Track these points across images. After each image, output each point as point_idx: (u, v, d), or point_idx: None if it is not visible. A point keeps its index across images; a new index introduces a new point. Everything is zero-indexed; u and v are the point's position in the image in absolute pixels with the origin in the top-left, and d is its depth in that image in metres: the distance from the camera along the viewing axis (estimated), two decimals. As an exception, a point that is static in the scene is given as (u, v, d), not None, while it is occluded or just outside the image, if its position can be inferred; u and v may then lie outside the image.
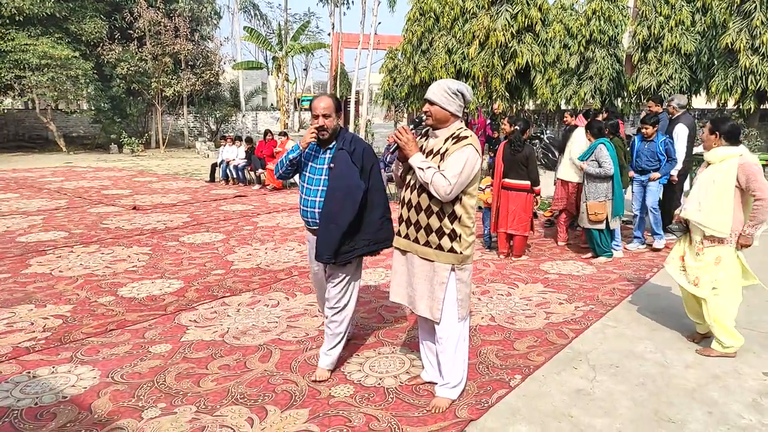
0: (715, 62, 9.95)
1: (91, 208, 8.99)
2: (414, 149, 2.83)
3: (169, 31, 20.83)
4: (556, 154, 12.73)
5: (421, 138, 3.00)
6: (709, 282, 3.56)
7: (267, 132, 12.11)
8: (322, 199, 3.14)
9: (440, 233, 2.79)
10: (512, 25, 9.97)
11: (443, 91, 2.80)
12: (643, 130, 6.13)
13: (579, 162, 6.03)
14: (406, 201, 2.94)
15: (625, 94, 12.10)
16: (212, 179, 12.30)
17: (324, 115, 3.11)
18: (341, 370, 3.42)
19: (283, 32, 22.98)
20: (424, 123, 2.93)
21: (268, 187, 11.14)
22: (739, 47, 9.09)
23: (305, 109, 27.84)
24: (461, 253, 2.81)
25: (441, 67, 11.04)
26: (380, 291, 4.96)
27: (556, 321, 4.20)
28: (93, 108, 21.42)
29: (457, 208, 2.78)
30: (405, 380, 3.28)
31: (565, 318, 4.25)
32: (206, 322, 4.23)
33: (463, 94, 2.84)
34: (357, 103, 23.18)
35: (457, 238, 2.80)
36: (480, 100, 10.95)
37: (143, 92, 21.16)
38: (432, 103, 2.83)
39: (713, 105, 10.34)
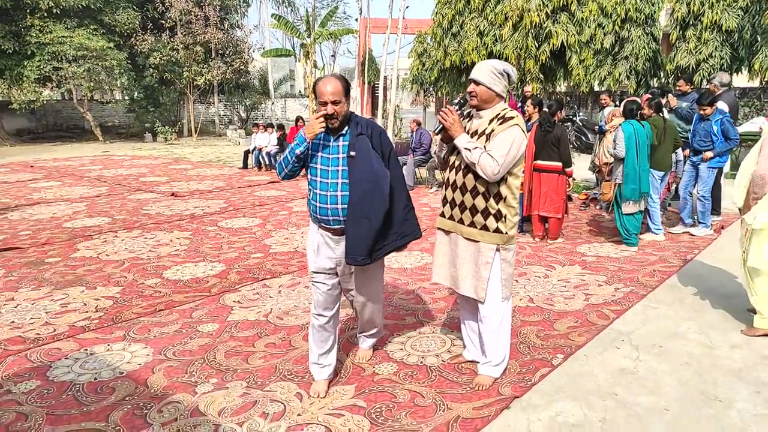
0: (759, 39, 9.60)
1: (130, 195, 9.24)
2: (459, 130, 2.84)
3: (199, 21, 21.07)
4: (589, 136, 12.51)
5: (464, 119, 3.01)
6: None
7: (299, 118, 12.21)
8: (345, 193, 2.75)
9: (486, 213, 2.82)
10: (546, 5, 9.79)
11: (489, 71, 2.80)
12: (701, 112, 5.92)
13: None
14: (450, 182, 2.97)
15: (662, 74, 11.79)
16: (245, 166, 12.49)
17: (333, 102, 2.68)
18: (383, 349, 3.49)
19: (311, 19, 22.93)
20: (468, 104, 2.94)
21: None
22: (785, 22, 8.75)
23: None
24: (506, 233, 2.83)
25: (472, 50, 10.93)
26: (417, 273, 5.01)
27: (596, 302, 4.18)
28: (127, 98, 21.89)
29: (503, 189, 2.80)
30: (447, 359, 3.34)
31: (605, 299, 4.23)
32: (249, 303, 4.35)
33: (508, 74, 2.84)
34: (385, 88, 23.12)
35: (503, 218, 2.82)
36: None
37: (175, 81, 21.50)
38: (478, 84, 2.83)
39: (756, 83, 10.00)
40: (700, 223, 6.20)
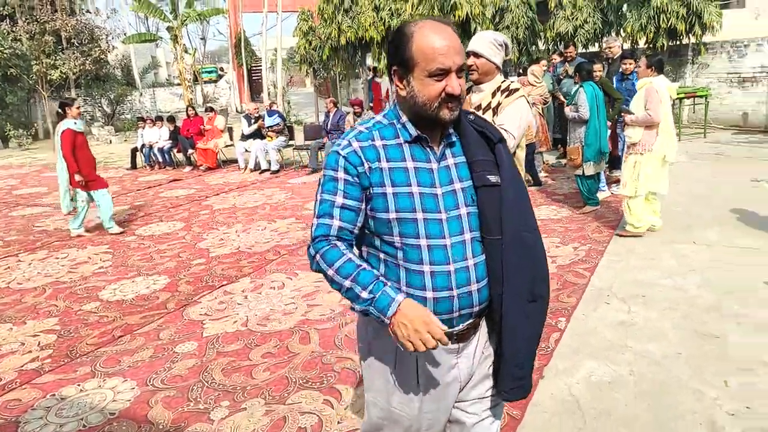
0: (626, 5, 10.58)
1: (11, 211, 8.03)
2: (468, 106, 2.79)
3: (45, 6, 18.62)
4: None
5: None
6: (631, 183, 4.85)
7: (189, 107, 11.36)
8: (478, 260, 1.46)
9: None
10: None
11: (489, 43, 2.76)
12: (624, 66, 6.25)
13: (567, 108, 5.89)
14: None
15: (541, 42, 12.58)
16: (134, 166, 11.39)
17: (460, 69, 1.41)
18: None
19: (175, -1, 21.28)
20: (468, 78, 2.89)
21: (201, 167, 10.51)
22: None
23: (207, 82, 26.30)
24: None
25: (369, 26, 10.84)
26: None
27: (564, 263, 4.42)
28: (-37, 99, 18.85)
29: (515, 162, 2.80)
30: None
31: (572, 259, 4.49)
32: (218, 314, 4.00)
33: (506, 46, 2.82)
34: (264, 70, 22.26)
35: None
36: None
37: (23, 77, 18.91)
38: (478, 56, 2.78)
39: (627, 45, 11.06)
40: None
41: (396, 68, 1.45)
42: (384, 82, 13.19)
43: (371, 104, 13.12)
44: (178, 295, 4.41)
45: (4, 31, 18.00)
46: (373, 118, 1.56)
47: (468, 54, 2.86)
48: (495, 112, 2.77)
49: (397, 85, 1.48)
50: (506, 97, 2.78)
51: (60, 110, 6.35)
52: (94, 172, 6.38)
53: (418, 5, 10.21)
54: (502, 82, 2.84)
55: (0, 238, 6.50)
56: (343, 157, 1.45)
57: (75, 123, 6.18)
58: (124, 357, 3.43)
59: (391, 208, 1.42)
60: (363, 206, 1.46)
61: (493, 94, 2.82)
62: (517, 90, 2.80)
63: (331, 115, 9.44)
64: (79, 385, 3.13)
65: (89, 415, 2.83)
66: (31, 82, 19.08)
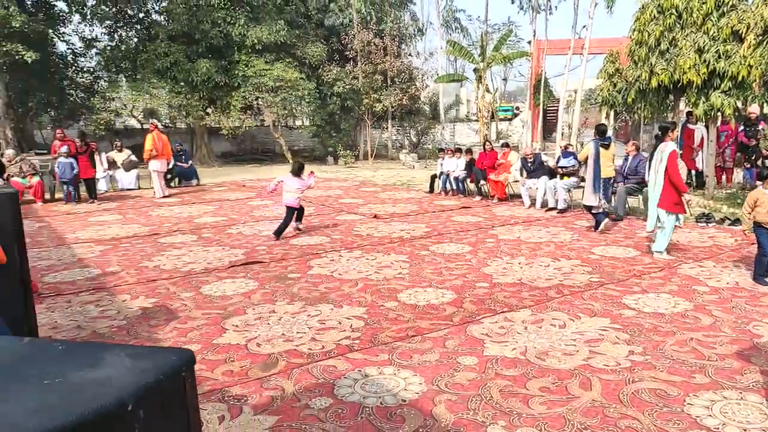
0: None
1: (336, 215, 9.77)
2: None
3: (379, 50, 22.21)
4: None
5: None
6: None
7: (486, 142, 12.08)
8: None
9: None
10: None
11: None
12: None
13: None
14: None
15: None
16: (431, 190, 12.63)
17: None
18: (686, 411, 3.05)
19: (484, 43, 22.97)
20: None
21: (493, 200, 11.05)
22: None
23: (502, 119, 27.54)
24: None
25: (689, 68, 9.89)
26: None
27: None
28: (312, 124, 23.74)
29: None
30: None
31: None
32: (499, 337, 4.17)
33: None
34: (560, 110, 22.19)
35: None
36: (743, 104, 9.51)
37: (355, 108, 22.82)
38: None
39: None
40: None
41: None
42: (699, 129, 11.83)
43: (680, 151, 11.88)
44: (462, 312, 4.75)
45: (347, 70, 22.05)
46: None
47: None
48: None
49: None
50: None
51: (660, 133, 6.50)
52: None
53: (756, 47, 8.89)
54: None
55: (328, 236, 7.98)
56: None
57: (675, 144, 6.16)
58: (415, 354, 3.87)
59: None
60: None
61: None
62: None
63: (630, 158, 8.90)
64: (379, 368, 3.66)
65: (385, 395, 3.28)
66: (360, 112, 22.88)
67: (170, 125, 23.96)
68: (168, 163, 13.35)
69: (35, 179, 11.83)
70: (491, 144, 12.05)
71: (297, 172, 7.87)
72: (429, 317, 4.62)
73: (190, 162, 15.56)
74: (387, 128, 25.13)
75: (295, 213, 7.90)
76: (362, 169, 19.74)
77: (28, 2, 20.58)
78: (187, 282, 5.74)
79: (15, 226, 2.98)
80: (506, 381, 3.46)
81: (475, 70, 23.63)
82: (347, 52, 22.37)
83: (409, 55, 26.11)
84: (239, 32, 20.11)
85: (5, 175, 11.64)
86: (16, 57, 17.19)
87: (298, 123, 27.53)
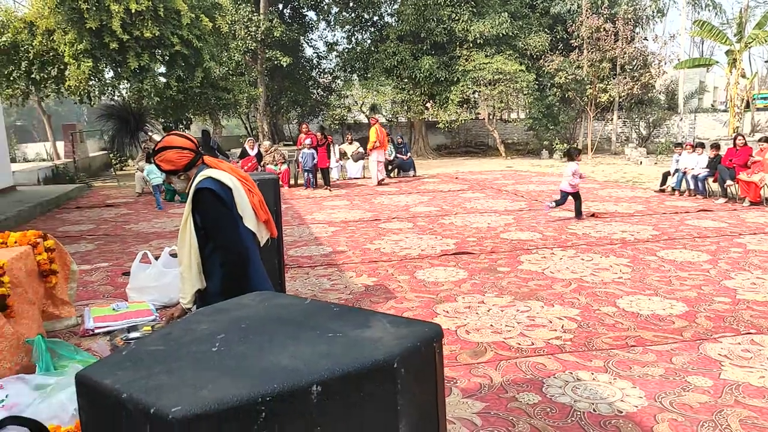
0: None
1: (549, 211, 9.42)
2: None
3: (609, 36, 20.54)
4: None
5: None
6: None
7: (738, 136, 10.37)
8: None
9: None
10: None
11: None
12: None
13: None
14: None
15: None
16: (661, 189, 11.34)
17: None
18: None
19: (743, 20, 19.58)
20: None
21: (742, 203, 9.48)
22: None
23: (761, 109, 23.24)
24: None
25: None
26: None
27: None
28: (528, 116, 23.13)
29: None
30: None
31: None
32: (742, 361, 3.60)
33: None
34: None
35: None
36: None
37: (576, 99, 21.55)
38: None
39: None
40: None
41: None
42: None
43: None
44: (696, 327, 4.21)
45: (571, 60, 20.89)
46: None
47: None
48: None
49: None
50: None
51: None
52: None
53: None
54: None
55: (540, 232, 7.76)
56: None
57: None
58: (635, 366, 3.57)
59: None
60: None
61: None
62: None
63: None
64: (592, 373, 3.47)
65: (599, 403, 3.11)
66: (582, 103, 21.53)
67: (392, 119, 25.67)
68: (386, 153, 14.44)
69: (284, 167, 13.79)
70: (744, 138, 10.30)
71: (570, 157, 8.86)
72: (653, 328, 4.21)
73: (408, 154, 16.49)
74: (612, 120, 23.18)
75: (568, 197, 8.49)
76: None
77: (286, 14, 23.98)
78: (404, 266, 6.15)
79: (276, 205, 3.55)
80: (749, 412, 2.99)
81: (728, 53, 20.37)
82: (572, 41, 21.17)
83: (645, 38, 23.58)
84: (462, 27, 20.53)
85: (262, 163, 13.87)
86: (275, 62, 20.20)
87: (513, 116, 27.07)
